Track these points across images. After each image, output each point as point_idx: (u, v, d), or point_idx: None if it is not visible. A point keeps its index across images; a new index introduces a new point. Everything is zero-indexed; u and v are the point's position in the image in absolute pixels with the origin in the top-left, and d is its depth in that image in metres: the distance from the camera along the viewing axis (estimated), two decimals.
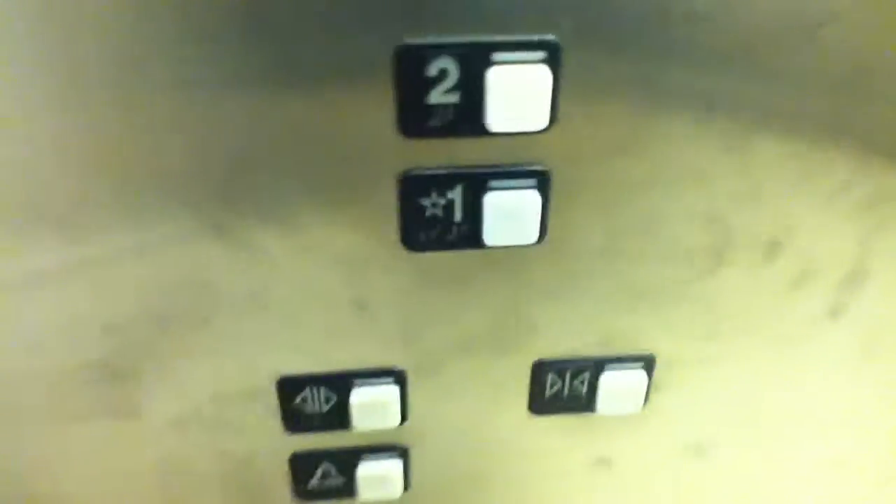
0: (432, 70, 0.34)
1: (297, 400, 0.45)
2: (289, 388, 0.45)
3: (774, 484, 0.55)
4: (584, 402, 0.48)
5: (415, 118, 0.35)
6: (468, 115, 0.35)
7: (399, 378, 0.45)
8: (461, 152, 0.37)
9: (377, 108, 0.35)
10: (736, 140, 0.38)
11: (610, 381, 0.47)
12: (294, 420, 0.46)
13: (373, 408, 0.46)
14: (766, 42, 0.36)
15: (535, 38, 0.34)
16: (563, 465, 0.52)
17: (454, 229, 0.39)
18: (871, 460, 0.54)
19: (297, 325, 0.43)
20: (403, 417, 0.48)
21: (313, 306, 0.42)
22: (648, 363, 0.47)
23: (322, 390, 0.45)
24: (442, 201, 0.38)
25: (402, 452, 0.50)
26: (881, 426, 0.52)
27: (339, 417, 0.46)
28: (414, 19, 0.34)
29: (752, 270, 0.44)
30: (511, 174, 0.38)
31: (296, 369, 0.44)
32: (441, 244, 0.39)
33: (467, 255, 0.41)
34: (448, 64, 0.34)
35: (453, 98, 0.35)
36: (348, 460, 0.49)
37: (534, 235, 0.39)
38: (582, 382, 0.47)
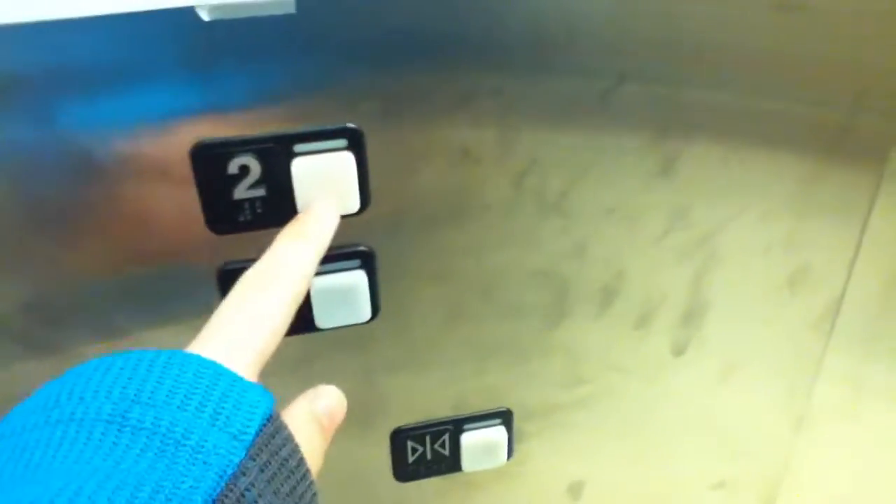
0: (232, 167, 0.33)
1: None
2: None
3: None
4: (448, 463, 0.48)
5: (222, 215, 0.35)
6: (277, 206, 0.35)
7: None
8: None
9: (185, 208, 0.35)
10: (551, 201, 0.39)
11: (471, 440, 0.47)
12: None
13: None
14: (571, 105, 0.37)
15: (335, 126, 0.34)
16: None
17: None
18: (750, 481, 0.56)
19: None
20: None
21: None
22: (506, 417, 0.47)
23: None
24: None
25: None
26: (753, 447, 0.54)
27: None
28: (210, 117, 0.33)
29: (593, 318, 0.45)
30: (332, 258, 0.37)
31: None
32: None
33: (306, 339, 0.40)
34: (248, 160, 0.33)
35: (259, 192, 0.34)
36: None
37: (366, 314, 0.39)
38: (442, 445, 0.47)
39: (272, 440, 0.26)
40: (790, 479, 0.56)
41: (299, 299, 0.31)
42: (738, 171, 0.41)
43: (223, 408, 0.25)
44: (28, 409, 0.25)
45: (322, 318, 0.38)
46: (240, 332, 0.28)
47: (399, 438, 0.46)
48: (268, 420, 0.25)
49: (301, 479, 0.27)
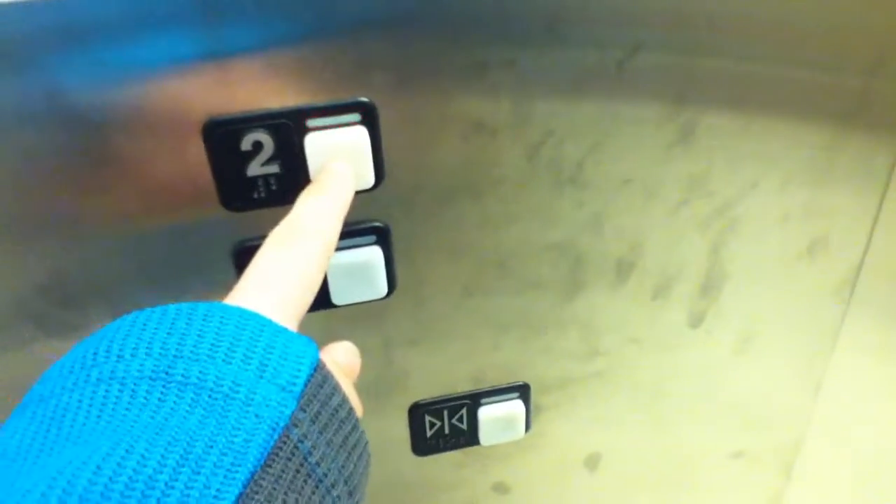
0: (245, 144, 0.33)
1: None
2: None
3: (671, 482, 0.56)
4: (466, 437, 0.48)
5: (236, 192, 0.34)
6: (292, 182, 0.34)
7: None
8: None
9: (199, 186, 0.35)
10: (567, 173, 0.39)
11: (488, 414, 0.47)
12: None
13: None
14: (587, 75, 0.36)
15: (348, 100, 0.34)
16: (459, 496, 0.52)
17: None
18: (768, 449, 0.56)
19: None
20: None
21: None
22: (523, 391, 0.47)
23: None
24: None
25: None
26: (771, 416, 0.54)
27: None
28: (221, 93, 0.33)
29: (609, 290, 0.44)
30: (348, 234, 0.37)
31: None
32: None
33: (323, 316, 0.40)
34: (261, 136, 0.33)
35: (273, 168, 0.34)
36: None
37: (382, 290, 0.39)
38: (460, 419, 0.47)
39: (321, 390, 0.25)
40: (808, 448, 0.56)
41: (329, 253, 0.30)
42: (756, 140, 0.41)
43: (269, 359, 0.24)
44: (65, 370, 0.25)
45: (338, 295, 0.38)
46: (277, 283, 0.28)
47: (417, 413, 0.46)
48: (315, 370, 0.25)
49: (353, 429, 0.26)
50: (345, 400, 0.26)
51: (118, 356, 0.24)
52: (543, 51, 0.35)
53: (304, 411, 0.24)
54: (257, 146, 0.33)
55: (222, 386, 0.23)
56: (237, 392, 0.23)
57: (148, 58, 0.31)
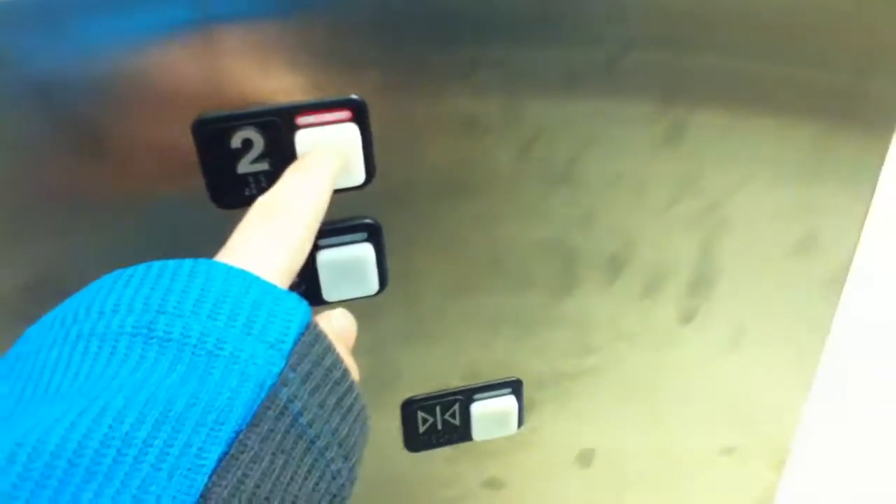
0: (235, 141, 0.33)
1: None
2: None
3: (664, 478, 0.57)
4: (459, 433, 0.48)
5: (227, 190, 0.34)
6: None
7: None
8: None
9: (189, 183, 0.35)
10: (559, 170, 0.39)
11: (481, 409, 0.47)
12: None
13: None
14: (578, 73, 0.37)
15: (338, 97, 0.34)
16: (452, 492, 0.53)
17: None
18: (759, 446, 0.56)
19: None
20: None
21: None
22: (516, 387, 0.47)
23: None
24: None
25: None
26: (762, 413, 0.54)
27: None
28: (211, 90, 0.33)
29: (601, 287, 0.45)
30: (339, 230, 0.37)
31: None
32: None
33: (314, 313, 0.40)
34: (251, 133, 0.33)
35: (263, 166, 0.34)
36: None
37: (374, 286, 0.39)
38: (453, 415, 0.47)
39: (312, 349, 0.24)
40: (799, 444, 0.56)
41: (317, 222, 0.29)
42: (746, 138, 0.41)
43: (257, 316, 0.23)
44: (45, 327, 0.24)
45: (330, 291, 0.38)
46: (265, 244, 0.27)
47: (410, 409, 0.46)
48: (306, 328, 0.24)
49: (347, 391, 0.25)
50: (339, 360, 0.25)
51: (99, 312, 0.23)
52: (534, 48, 0.35)
53: (295, 371, 0.23)
54: (247, 144, 0.33)
55: (206, 343, 0.22)
56: (222, 349, 0.22)
57: (136, 54, 0.31)
